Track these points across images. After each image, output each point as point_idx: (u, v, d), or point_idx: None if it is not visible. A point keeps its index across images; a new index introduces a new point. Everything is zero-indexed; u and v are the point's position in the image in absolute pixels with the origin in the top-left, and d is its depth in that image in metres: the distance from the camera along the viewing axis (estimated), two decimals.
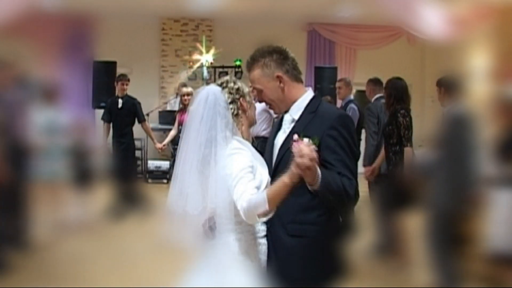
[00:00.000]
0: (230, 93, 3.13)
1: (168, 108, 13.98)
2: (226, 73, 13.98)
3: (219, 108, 3.08)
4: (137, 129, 10.11)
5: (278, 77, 3.07)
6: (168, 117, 12.73)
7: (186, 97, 9.42)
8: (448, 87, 5.85)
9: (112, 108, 9.54)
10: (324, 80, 11.77)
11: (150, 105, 13.80)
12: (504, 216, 4.73)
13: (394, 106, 6.80)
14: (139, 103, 9.90)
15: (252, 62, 3.15)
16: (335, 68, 13.36)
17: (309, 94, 3.13)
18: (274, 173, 2.99)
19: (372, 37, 15.17)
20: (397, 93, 6.85)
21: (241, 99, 3.14)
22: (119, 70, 12.50)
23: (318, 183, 2.74)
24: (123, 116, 9.53)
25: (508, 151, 4.89)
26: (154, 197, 9.33)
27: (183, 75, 14.49)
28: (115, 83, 9.83)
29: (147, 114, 13.14)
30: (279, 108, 3.16)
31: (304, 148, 2.64)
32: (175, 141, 9.38)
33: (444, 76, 6.01)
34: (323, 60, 15.32)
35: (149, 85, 14.74)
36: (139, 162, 13.94)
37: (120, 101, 9.53)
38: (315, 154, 2.64)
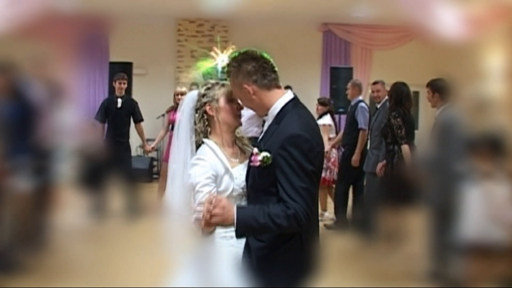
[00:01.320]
0: (198, 100, 3.34)
1: None
2: None
3: (187, 113, 3.35)
4: (155, 131, 10.12)
5: (245, 88, 3.07)
6: None
7: (179, 97, 9.41)
8: (439, 90, 6.39)
9: (109, 108, 9.46)
10: (340, 81, 11.70)
11: (166, 106, 13.78)
12: (476, 209, 5.07)
13: (391, 109, 7.45)
14: (137, 103, 9.91)
15: (227, 72, 3.19)
16: (351, 69, 13.33)
17: (281, 102, 3.08)
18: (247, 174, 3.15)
19: (388, 38, 15.12)
20: (397, 96, 7.46)
21: (206, 105, 3.30)
22: (135, 71, 12.56)
23: (236, 229, 2.84)
24: (122, 115, 9.49)
25: (477, 148, 5.21)
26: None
27: (199, 76, 14.50)
28: (113, 83, 9.77)
29: (163, 115, 13.20)
30: (259, 113, 3.22)
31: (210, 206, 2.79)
32: None
33: (435, 79, 6.48)
34: (338, 60, 15.27)
35: (165, 86, 14.77)
36: (155, 163, 14.01)
37: (119, 100, 9.48)
38: (217, 211, 2.77)
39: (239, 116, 3.34)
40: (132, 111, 9.62)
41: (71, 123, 7.73)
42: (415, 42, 14.57)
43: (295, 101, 3.12)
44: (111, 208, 9.06)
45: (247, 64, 3.07)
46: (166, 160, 8.73)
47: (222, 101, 3.30)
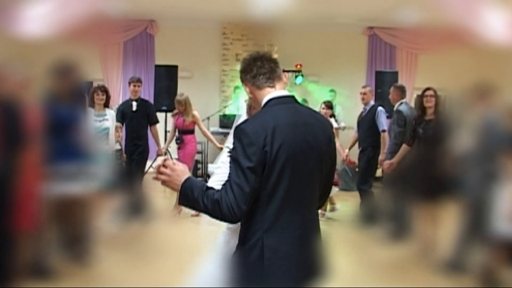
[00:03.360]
0: None
1: (227, 112, 14.10)
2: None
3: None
4: (198, 133, 10.20)
5: (244, 86, 3.30)
6: (228, 121, 12.84)
7: (179, 106, 9.93)
8: (481, 94, 6.59)
9: (125, 111, 9.53)
10: (385, 85, 11.66)
11: (211, 109, 13.92)
12: (506, 207, 5.33)
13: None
14: (152, 106, 10.10)
15: None
16: (396, 73, 13.27)
17: (265, 99, 3.19)
18: None
19: (433, 42, 14.95)
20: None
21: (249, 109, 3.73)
22: (180, 74, 12.69)
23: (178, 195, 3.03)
24: (138, 118, 9.54)
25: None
26: None
27: None
28: (128, 86, 9.88)
29: (208, 118, 13.28)
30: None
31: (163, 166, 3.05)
32: None
33: (477, 84, 6.80)
34: (383, 64, 15.20)
35: (210, 89, 14.90)
36: (199, 166, 14.07)
37: (134, 103, 9.56)
38: (166, 171, 3.03)
39: None
40: (148, 114, 9.71)
41: (104, 126, 7.86)
42: (461, 46, 14.44)
43: (280, 99, 3.17)
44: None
45: (247, 64, 3.25)
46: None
47: (244, 113, 3.73)
